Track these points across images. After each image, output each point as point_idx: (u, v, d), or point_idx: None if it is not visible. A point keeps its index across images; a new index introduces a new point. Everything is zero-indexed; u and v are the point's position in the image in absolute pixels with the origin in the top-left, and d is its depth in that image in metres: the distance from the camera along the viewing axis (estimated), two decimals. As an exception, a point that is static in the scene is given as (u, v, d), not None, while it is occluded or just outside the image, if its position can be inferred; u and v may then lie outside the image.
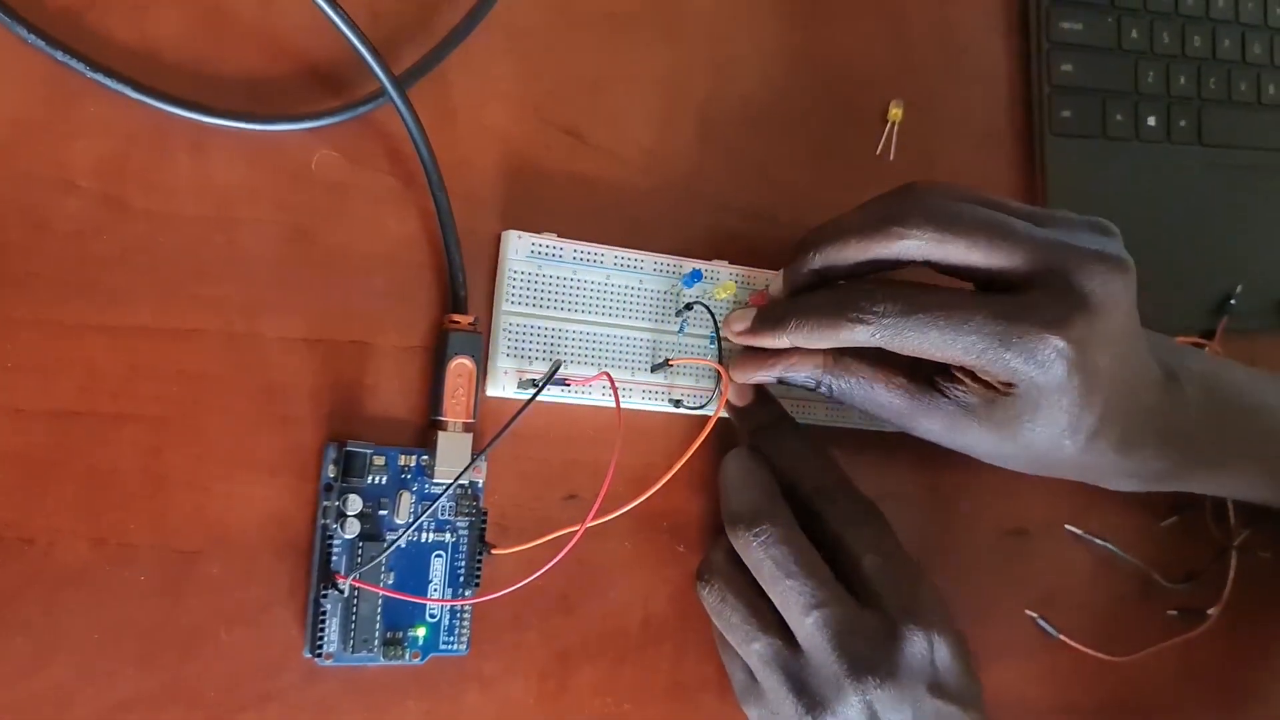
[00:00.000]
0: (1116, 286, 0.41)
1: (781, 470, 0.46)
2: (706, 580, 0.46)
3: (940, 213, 0.42)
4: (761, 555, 0.43)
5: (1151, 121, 0.58)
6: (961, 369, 0.42)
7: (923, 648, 0.42)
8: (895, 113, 0.54)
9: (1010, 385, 0.41)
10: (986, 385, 0.42)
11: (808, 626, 0.42)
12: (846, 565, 0.44)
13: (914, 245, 0.42)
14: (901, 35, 0.55)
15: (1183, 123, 0.59)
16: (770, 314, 0.44)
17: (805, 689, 0.42)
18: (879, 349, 0.42)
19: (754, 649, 0.43)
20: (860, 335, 0.41)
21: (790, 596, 0.42)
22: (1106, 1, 0.58)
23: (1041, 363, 0.40)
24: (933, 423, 0.44)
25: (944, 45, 0.56)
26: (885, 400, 0.44)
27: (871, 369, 0.44)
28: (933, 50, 0.56)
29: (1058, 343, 0.40)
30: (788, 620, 0.43)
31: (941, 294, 0.42)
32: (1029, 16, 0.57)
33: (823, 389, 0.45)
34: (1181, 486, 0.49)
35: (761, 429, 0.47)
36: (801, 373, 0.45)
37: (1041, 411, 0.42)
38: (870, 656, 0.41)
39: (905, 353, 0.42)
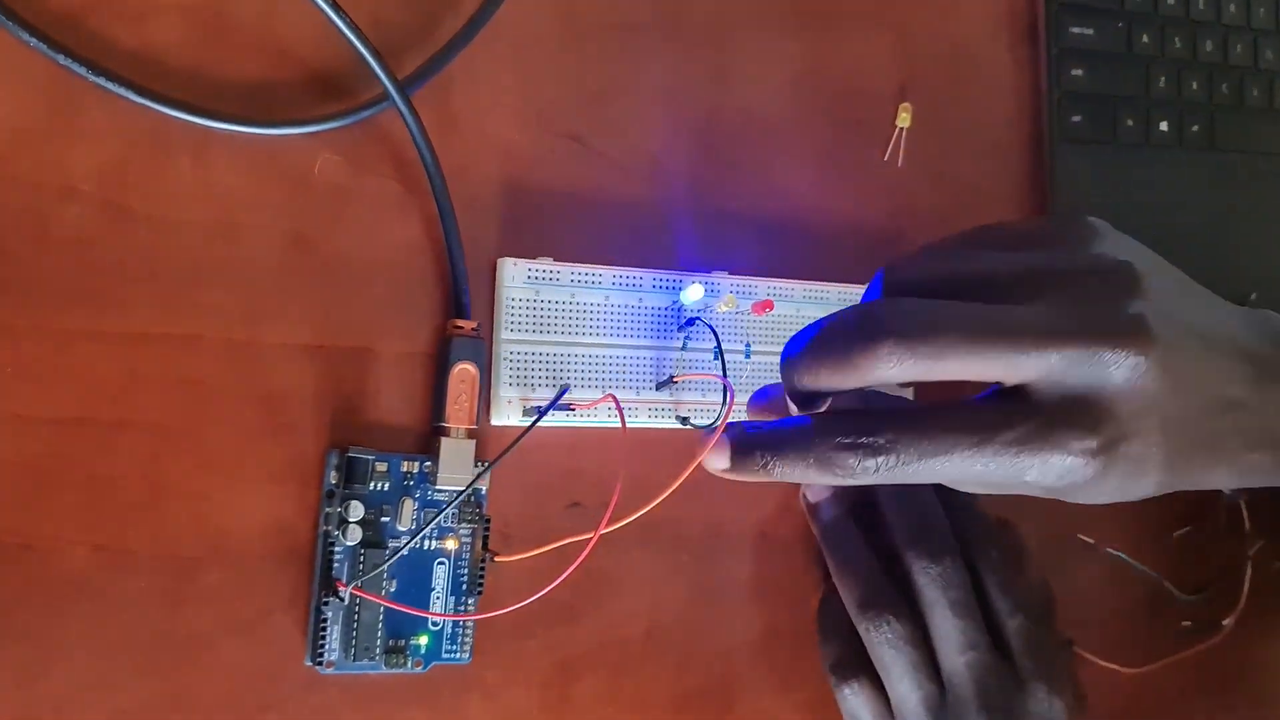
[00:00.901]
0: (1136, 367, 0.35)
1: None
2: (880, 611, 0.46)
3: (917, 336, 0.34)
4: (942, 590, 0.45)
5: (1163, 127, 0.58)
6: None
7: (1044, 706, 0.45)
8: (904, 116, 0.53)
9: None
10: None
11: (960, 664, 0.45)
12: (993, 617, 0.46)
13: (895, 374, 0.35)
14: (908, 42, 0.55)
15: (1195, 128, 0.58)
16: (748, 453, 0.37)
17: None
18: None
19: (918, 695, 0.45)
20: (856, 484, 0.38)
21: (954, 634, 0.45)
22: (1117, 6, 0.58)
23: (1062, 476, 0.35)
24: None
25: (952, 52, 0.56)
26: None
27: None
28: (941, 57, 0.55)
29: (1073, 461, 0.35)
30: (941, 652, 0.45)
31: (939, 425, 0.35)
32: (1038, 22, 0.57)
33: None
34: None
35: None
36: None
37: (1088, 493, 0.37)
38: (1005, 703, 0.45)
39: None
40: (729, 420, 0.40)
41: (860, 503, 0.48)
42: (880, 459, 0.35)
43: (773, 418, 0.40)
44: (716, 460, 0.38)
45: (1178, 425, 0.36)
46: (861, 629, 0.46)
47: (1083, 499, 0.37)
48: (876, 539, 0.47)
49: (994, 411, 0.35)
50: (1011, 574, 0.47)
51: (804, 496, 0.49)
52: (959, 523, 0.48)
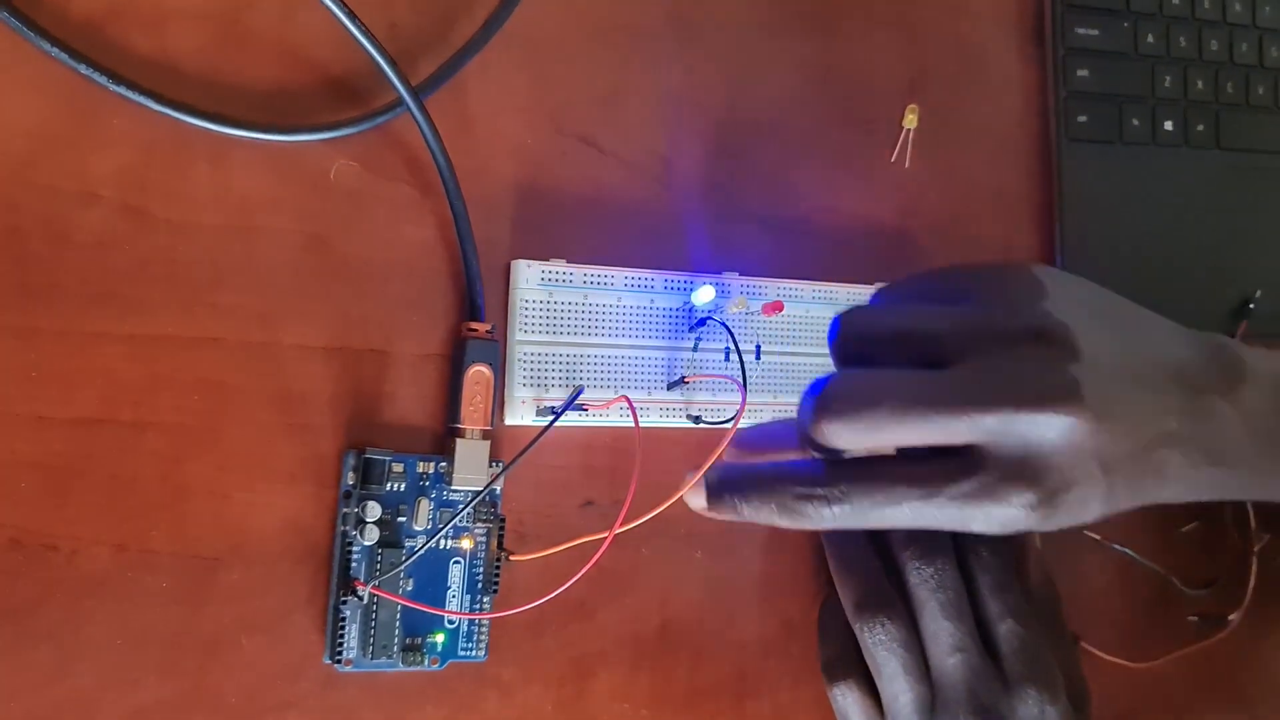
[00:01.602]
0: (1069, 429, 0.37)
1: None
2: (874, 613, 0.46)
3: (852, 411, 0.38)
4: (932, 591, 0.45)
5: (1169, 126, 0.58)
6: None
7: (1034, 712, 0.44)
8: (910, 118, 0.54)
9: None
10: None
11: (949, 666, 0.45)
12: (984, 619, 0.46)
13: (842, 444, 0.39)
14: (916, 44, 0.55)
15: (1200, 127, 0.59)
16: (721, 495, 0.41)
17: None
18: None
19: (908, 696, 0.45)
20: (820, 527, 0.40)
21: (943, 635, 0.45)
22: (1123, 6, 0.58)
23: (1007, 524, 0.38)
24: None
25: (959, 53, 0.56)
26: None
27: None
28: (948, 58, 0.56)
29: (1016, 512, 0.38)
30: (931, 654, 0.45)
31: (889, 477, 0.39)
32: (1045, 23, 0.57)
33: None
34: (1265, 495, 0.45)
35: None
36: None
37: (1045, 528, 0.39)
38: (993, 706, 0.44)
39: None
40: (731, 439, 0.43)
41: None
42: (836, 509, 0.39)
43: (754, 458, 0.43)
44: (694, 500, 0.42)
45: (1118, 464, 0.38)
46: (856, 629, 0.46)
47: (1033, 531, 0.40)
48: (880, 542, 0.48)
49: (941, 468, 0.39)
50: (1006, 576, 0.47)
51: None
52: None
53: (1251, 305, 0.59)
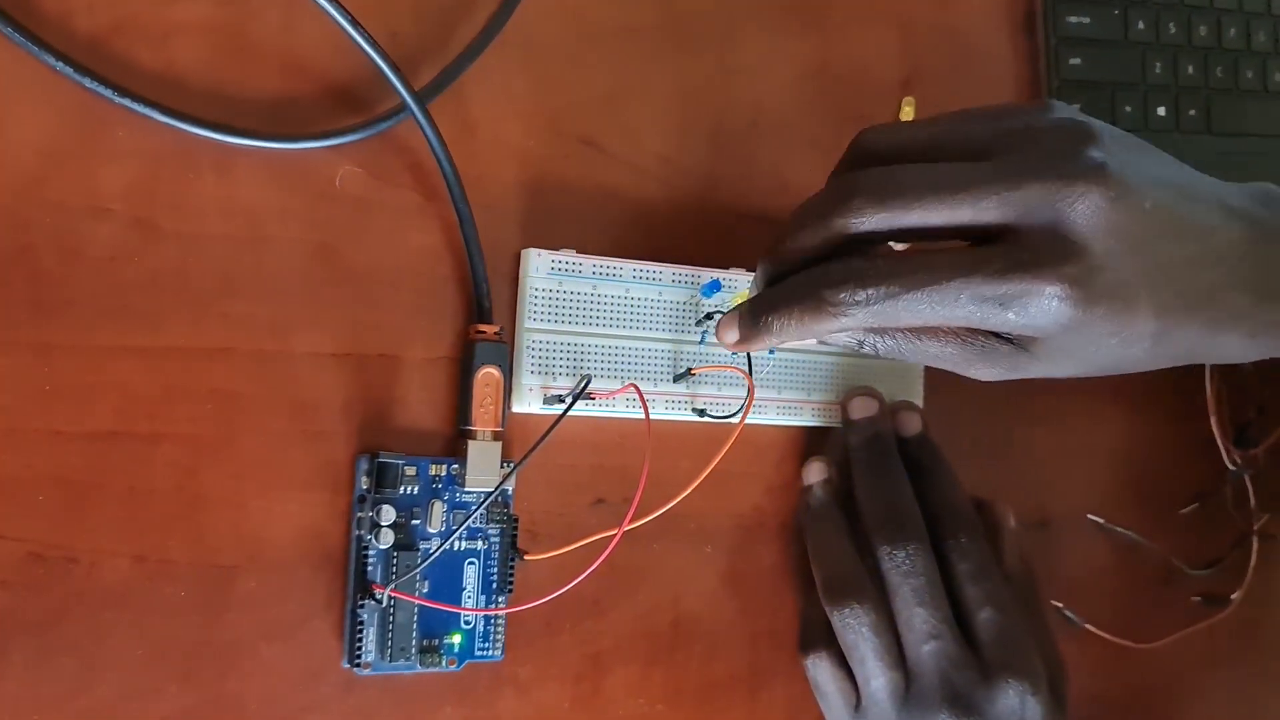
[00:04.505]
0: (1098, 202, 0.36)
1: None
2: (844, 596, 0.46)
3: (882, 188, 0.37)
4: (904, 577, 0.45)
5: (1161, 112, 0.59)
6: None
7: (1015, 703, 0.44)
8: (907, 110, 0.54)
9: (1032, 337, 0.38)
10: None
11: (924, 653, 0.45)
12: (962, 607, 0.46)
13: (869, 226, 0.37)
14: (909, 38, 0.56)
15: (1192, 112, 0.59)
16: (752, 317, 0.40)
17: (907, 710, 0.45)
18: None
19: (881, 681, 0.46)
20: (850, 323, 0.38)
21: (916, 622, 0.45)
22: (1112, -6, 0.59)
23: (1047, 312, 0.36)
24: (993, 368, 0.40)
25: (952, 46, 0.57)
26: (937, 352, 0.40)
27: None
28: (941, 51, 0.56)
29: (1053, 290, 0.36)
30: (905, 640, 0.45)
31: (925, 261, 0.37)
32: (1036, 12, 0.58)
33: (867, 349, 0.41)
34: None
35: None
36: (840, 337, 0.41)
37: (1085, 340, 0.38)
38: (968, 696, 0.44)
39: (907, 327, 0.39)
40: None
41: (849, 493, 0.49)
42: (870, 289, 0.37)
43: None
44: (728, 335, 0.41)
45: (1163, 272, 0.38)
46: (829, 613, 0.46)
47: (1079, 351, 0.38)
48: (857, 530, 0.48)
49: (978, 250, 0.37)
50: (983, 562, 0.47)
51: (802, 478, 0.50)
52: (933, 505, 0.48)
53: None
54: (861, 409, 0.50)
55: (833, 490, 0.50)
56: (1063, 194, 0.36)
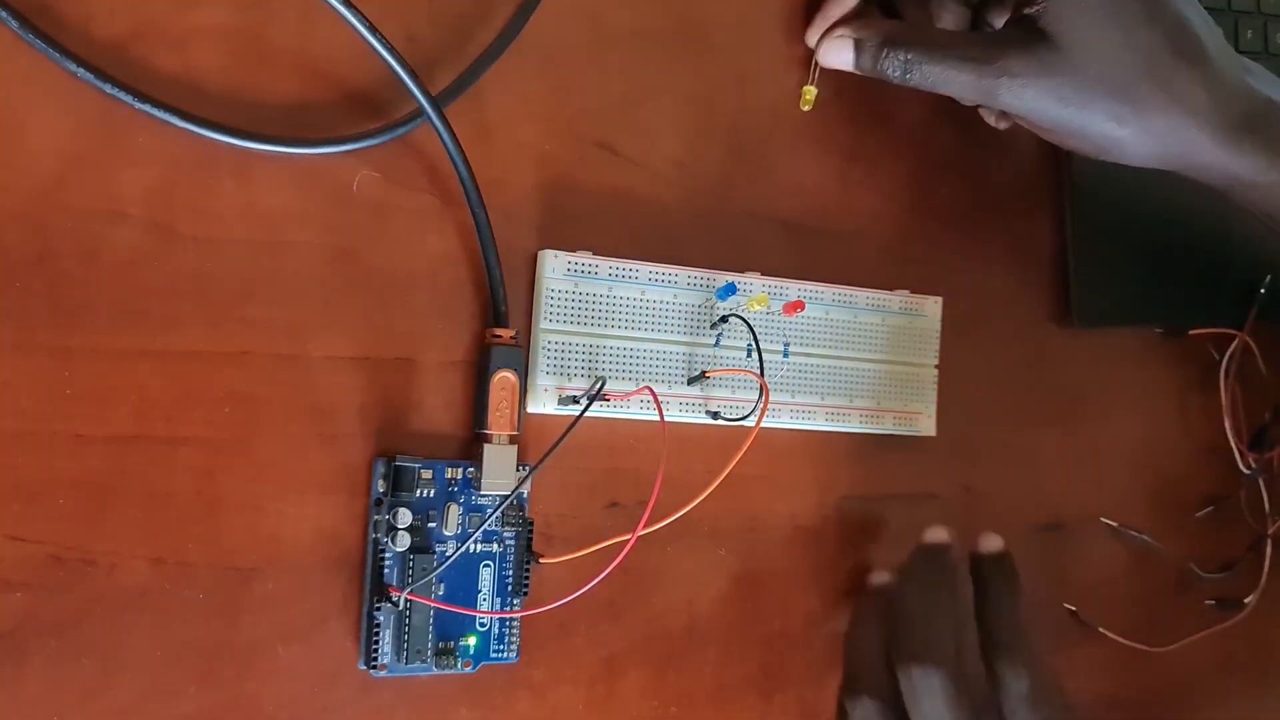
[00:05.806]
0: None
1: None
2: (859, 692, 0.47)
3: None
4: (916, 701, 0.45)
5: (1176, 115, 0.58)
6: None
7: None
8: (808, 98, 0.53)
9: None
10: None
11: None
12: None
13: None
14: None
15: (1207, 115, 0.59)
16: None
17: None
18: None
19: None
20: None
21: None
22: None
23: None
24: (1021, 65, 0.46)
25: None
26: (957, 77, 0.47)
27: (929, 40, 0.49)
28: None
29: None
30: None
31: None
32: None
33: (894, 78, 0.49)
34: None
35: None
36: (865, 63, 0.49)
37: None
38: None
39: None
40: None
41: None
42: None
43: None
44: (841, 55, 0.50)
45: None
46: (844, 699, 0.47)
47: (1066, 94, 0.46)
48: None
49: None
50: (1025, 694, 0.46)
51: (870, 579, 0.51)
52: (989, 623, 0.48)
53: (1261, 290, 0.59)
54: (932, 534, 0.50)
55: (885, 580, 0.50)
56: None
